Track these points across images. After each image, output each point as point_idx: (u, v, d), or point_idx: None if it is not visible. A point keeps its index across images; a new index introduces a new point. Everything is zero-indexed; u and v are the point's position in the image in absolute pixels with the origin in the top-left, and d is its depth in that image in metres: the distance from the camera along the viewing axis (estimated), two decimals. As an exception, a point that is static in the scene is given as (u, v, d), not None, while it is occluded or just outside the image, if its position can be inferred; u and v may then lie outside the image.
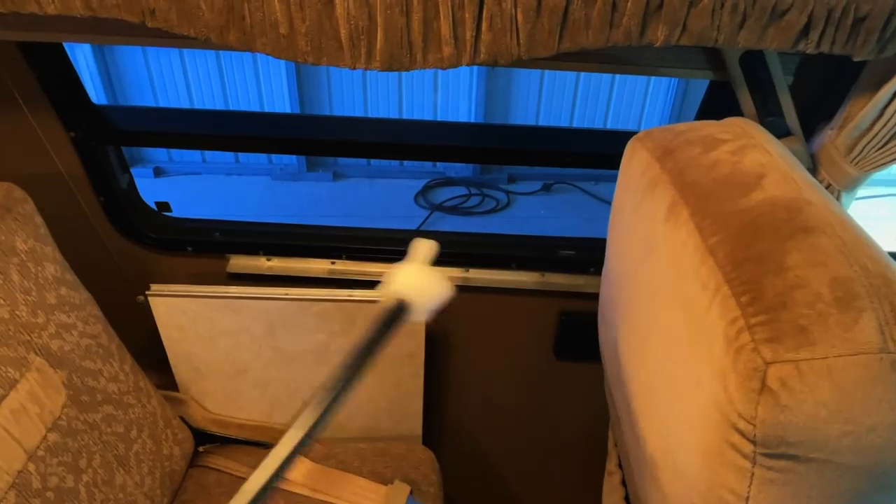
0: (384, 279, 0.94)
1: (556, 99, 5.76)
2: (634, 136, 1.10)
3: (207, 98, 5.71)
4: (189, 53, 5.54)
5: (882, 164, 1.20)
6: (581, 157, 1.64)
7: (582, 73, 5.53)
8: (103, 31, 1.23)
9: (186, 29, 1.02)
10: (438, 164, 6.01)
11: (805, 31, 1.01)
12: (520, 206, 5.79)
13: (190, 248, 1.65)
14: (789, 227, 0.72)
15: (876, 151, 1.18)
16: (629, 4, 0.98)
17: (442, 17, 1.00)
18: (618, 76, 5.58)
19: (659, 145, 1.02)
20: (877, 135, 1.16)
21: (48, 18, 1.16)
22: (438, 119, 5.78)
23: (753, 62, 1.26)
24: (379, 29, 1.01)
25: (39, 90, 1.38)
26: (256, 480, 0.75)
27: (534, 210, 5.75)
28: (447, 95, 5.71)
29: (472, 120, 5.75)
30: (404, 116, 5.77)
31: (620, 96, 5.75)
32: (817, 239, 0.70)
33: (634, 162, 1.06)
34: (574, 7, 0.99)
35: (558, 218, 5.60)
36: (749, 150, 0.91)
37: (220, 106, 5.71)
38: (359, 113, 5.74)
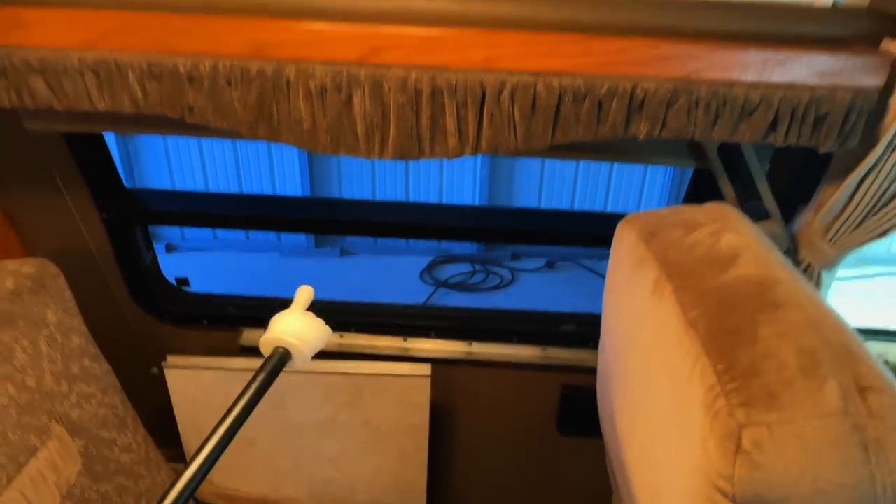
0: (268, 328, 0.98)
1: (557, 182, 5.97)
2: (623, 220, 1.20)
3: (222, 180, 5.94)
4: (208, 156, 5.84)
5: (857, 244, 1.29)
6: (580, 237, 1.74)
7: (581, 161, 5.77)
8: (142, 123, 1.37)
9: (221, 123, 1.15)
10: (443, 242, 6.16)
11: (773, 126, 1.13)
12: (524, 283, 5.88)
13: (205, 322, 1.73)
14: (760, 302, 0.80)
15: (850, 233, 1.28)
16: (614, 104, 1.10)
17: (448, 115, 1.13)
18: (616, 165, 5.82)
19: (645, 227, 1.11)
20: (849, 217, 1.25)
21: (93, 112, 1.30)
22: (443, 201, 5.98)
23: (731, 152, 1.38)
24: (391, 125, 1.14)
25: (78, 174, 1.51)
26: None
27: (538, 287, 5.83)
28: (452, 179, 5.93)
29: (477, 202, 5.95)
30: (411, 198, 5.97)
31: (619, 180, 5.96)
32: (786, 313, 0.78)
33: (623, 243, 1.15)
34: (565, 106, 1.11)
35: (562, 294, 5.67)
36: (725, 232, 1.00)
37: (234, 188, 5.95)
38: (367, 194, 5.95)
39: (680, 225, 1.04)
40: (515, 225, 1.81)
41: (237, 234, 6.16)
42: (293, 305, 1.01)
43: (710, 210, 1.13)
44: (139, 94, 1.12)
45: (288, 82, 1.10)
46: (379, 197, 5.95)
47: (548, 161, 5.90)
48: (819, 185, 1.30)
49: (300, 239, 6.16)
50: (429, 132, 1.15)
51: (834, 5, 1.16)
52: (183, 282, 1.79)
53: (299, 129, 1.14)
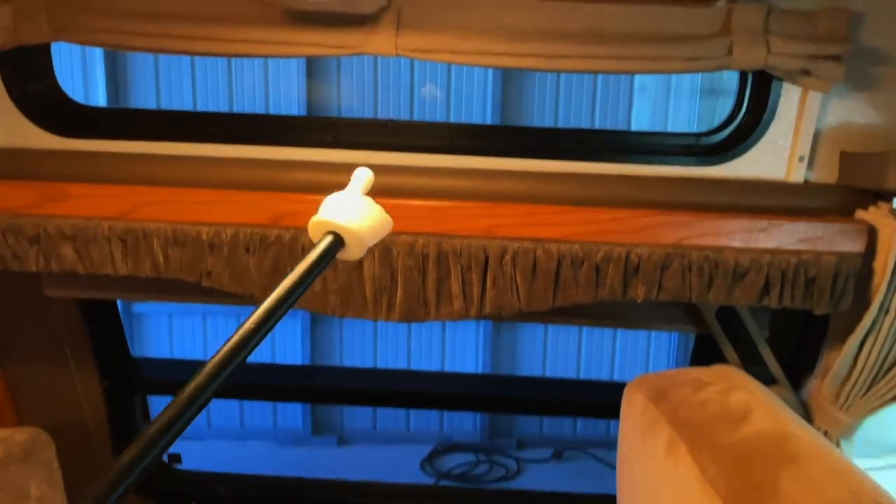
0: (319, 209, 0.80)
1: (560, 352, 5.95)
2: (630, 383, 1.20)
3: (221, 329, 5.91)
4: (210, 324, 5.92)
5: (871, 410, 1.26)
6: (586, 407, 1.70)
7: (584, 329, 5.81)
8: (158, 290, 1.42)
9: (235, 288, 1.19)
10: (445, 427, 5.96)
11: (766, 290, 1.17)
12: (530, 474, 5.58)
13: (194, 503, 1.64)
14: (778, 457, 0.77)
15: (861, 398, 1.25)
16: (610, 268, 1.15)
17: (453, 277, 1.17)
18: (619, 330, 5.84)
19: (652, 388, 1.10)
20: (857, 382, 1.24)
21: (108, 279, 1.34)
22: (446, 370, 5.90)
23: (730, 317, 1.40)
24: (399, 287, 1.18)
25: (87, 341, 1.53)
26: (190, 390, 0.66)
27: (545, 478, 5.53)
28: (454, 348, 5.91)
29: (479, 371, 5.87)
30: (412, 366, 5.90)
31: (624, 348, 5.93)
32: (806, 467, 0.75)
33: (633, 406, 1.14)
34: (564, 270, 1.17)
35: (571, 488, 5.34)
36: (734, 390, 0.99)
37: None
38: (368, 363, 5.89)
39: (688, 384, 1.03)
40: (520, 394, 1.78)
41: (231, 420, 5.98)
42: (349, 187, 0.83)
43: (716, 371, 1.12)
44: (161, 260, 1.17)
45: (303, 248, 1.16)
46: (380, 366, 5.88)
47: (551, 329, 5.93)
48: (821, 350, 1.31)
49: (296, 425, 5.98)
50: (435, 294, 1.19)
51: (805, 182, 1.26)
52: (175, 458, 1.72)
53: (310, 292, 1.18)
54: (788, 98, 1.23)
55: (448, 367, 5.90)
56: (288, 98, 5.47)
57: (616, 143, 1.34)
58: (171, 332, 5.98)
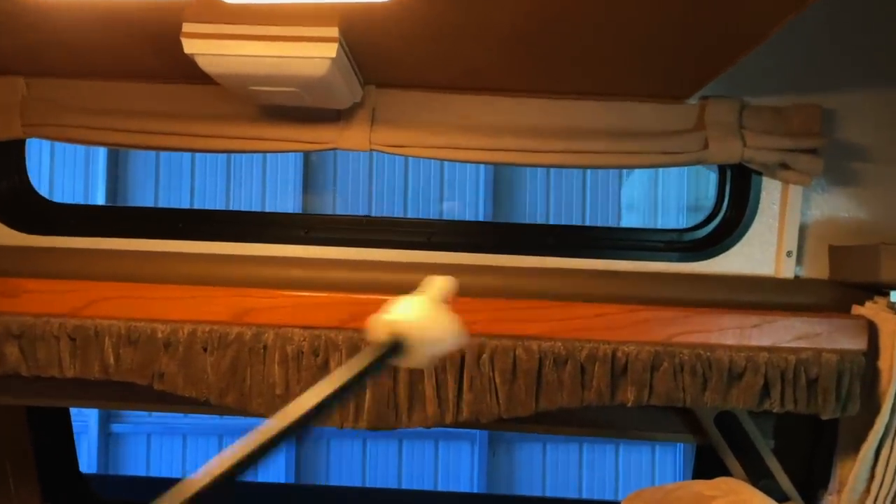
0: (385, 309, 0.73)
1: (561, 469, 5.63)
2: (626, 500, 1.08)
3: (202, 450, 5.60)
4: (191, 437, 5.66)
5: None
6: None
7: (586, 439, 5.54)
8: (110, 398, 1.32)
9: (190, 391, 1.10)
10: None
11: (766, 392, 1.08)
12: None
13: None
14: None
15: None
16: (596, 368, 1.07)
17: (426, 379, 1.08)
18: (622, 444, 5.57)
19: (650, 501, 0.99)
20: (878, 497, 1.11)
21: (58, 386, 1.24)
22: (439, 488, 5.55)
23: (730, 424, 1.29)
24: (367, 390, 1.09)
25: (31, 455, 1.39)
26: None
27: None
28: (448, 463, 5.60)
29: (475, 492, 5.52)
30: (404, 486, 5.55)
31: (628, 464, 5.63)
32: None
33: None
34: (546, 370, 1.08)
35: None
36: None
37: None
38: (356, 482, 5.54)
39: (687, 499, 0.92)
40: None
41: None
42: (422, 293, 0.77)
43: (718, 484, 1.01)
44: (111, 360, 1.09)
45: (265, 347, 1.08)
46: (370, 484, 5.53)
47: (549, 446, 5.65)
48: (834, 462, 1.19)
49: None
50: (407, 398, 1.09)
51: (796, 277, 1.21)
52: None
53: (271, 395, 1.09)
54: (770, 193, 1.21)
55: (442, 486, 5.56)
56: (284, 198, 5.58)
57: (598, 238, 1.31)
58: (149, 452, 5.68)
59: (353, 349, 1.08)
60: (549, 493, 5.65)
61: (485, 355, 1.08)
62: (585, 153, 1.13)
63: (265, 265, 1.18)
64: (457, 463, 5.64)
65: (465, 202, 5.63)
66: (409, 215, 5.54)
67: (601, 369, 1.07)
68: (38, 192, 1.32)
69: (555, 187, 5.67)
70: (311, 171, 5.64)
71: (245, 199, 5.61)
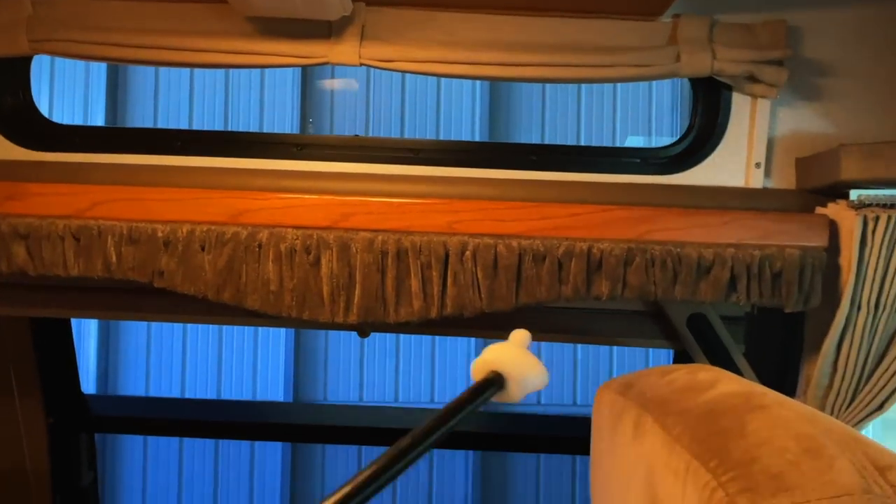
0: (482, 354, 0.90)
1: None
2: (599, 387, 1.19)
3: (201, 386, 5.81)
4: (191, 337, 5.81)
5: (858, 421, 1.21)
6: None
7: (580, 351, 5.71)
8: (108, 307, 1.40)
9: (188, 288, 1.19)
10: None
11: (733, 285, 1.18)
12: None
13: None
14: (746, 407, 0.75)
15: (846, 409, 1.22)
16: (573, 264, 1.17)
17: (413, 275, 1.18)
18: (615, 351, 5.72)
19: (621, 384, 1.09)
20: (840, 390, 1.21)
21: (59, 296, 1.32)
22: (436, 401, 5.77)
23: (702, 329, 1.40)
24: (357, 285, 1.19)
25: (35, 370, 1.47)
26: None
27: None
28: (445, 379, 5.80)
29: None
30: (400, 400, 5.77)
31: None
32: (777, 411, 0.73)
33: (602, 405, 1.12)
34: (526, 266, 1.18)
35: None
36: (701, 370, 0.99)
37: (213, 395, 5.80)
38: (354, 399, 5.77)
39: (655, 373, 1.03)
40: (513, 430, 1.75)
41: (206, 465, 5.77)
42: (510, 341, 0.94)
43: (686, 366, 1.12)
44: (113, 258, 1.16)
45: (259, 245, 1.17)
46: (366, 401, 5.77)
47: (544, 352, 5.80)
48: (801, 363, 1.29)
49: None
50: (394, 293, 1.19)
51: (764, 188, 1.30)
52: None
53: (265, 292, 1.18)
54: (739, 108, 1.28)
55: (438, 398, 5.72)
56: (282, 121, 5.59)
57: (578, 155, 1.38)
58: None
59: (343, 248, 1.17)
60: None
61: (468, 252, 1.17)
62: (564, 66, 1.19)
63: (259, 176, 1.25)
64: (453, 377, 5.78)
65: (462, 128, 5.64)
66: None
67: (577, 265, 1.16)
68: (41, 111, 1.38)
69: (549, 120, 5.67)
70: (309, 97, 5.61)
71: (243, 123, 5.61)
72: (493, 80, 1.28)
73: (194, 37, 1.20)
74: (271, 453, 5.64)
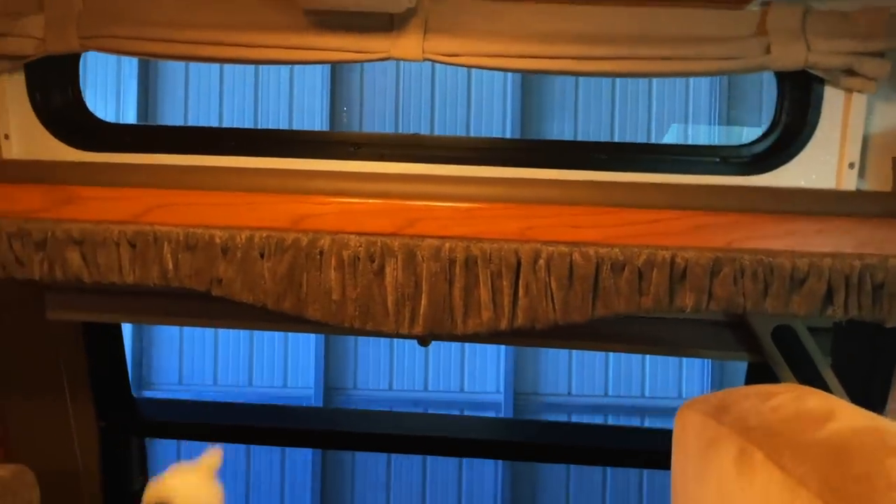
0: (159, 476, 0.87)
1: (586, 381, 5.71)
2: (683, 405, 1.10)
3: (233, 375, 5.82)
4: (222, 341, 5.84)
5: None
6: (615, 454, 1.58)
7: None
8: (162, 313, 1.36)
9: (247, 296, 1.13)
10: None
11: (829, 298, 1.08)
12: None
13: None
14: (883, 448, 0.67)
15: None
16: (654, 274, 1.09)
17: (482, 285, 1.11)
18: (648, 358, 5.62)
19: (712, 405, 1.01)
20: None
21: (113, 301, 1.28)
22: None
23: (787, 340, 1.29)
24: (423, 295, 1.12)
25: (86, 375, 1.44)
26: None
27: None
28: (475, 372, 5.73)
29: (502, 401, 5.65)
30: (430, 388, 5.70)
31: (654, 374, 5.71)
32: None
33: (688, 428, 1.04)
34: (603, 276, 1.10)
35: None
36: (808, 395, 0.90)
37: (244, 384, 5.79)
38: (383, 387, 5.75)
39: (753, 395, 0.94)
40: (544, 439, 1.67)
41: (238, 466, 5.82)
42: (196, 466, 0.94)
43: (783, 386, 1.04)
44: (170, 266, 1.12)
45: (321, 252, 1.11)
46: (396, 390, 5.71)
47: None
48: (893, 380, 1.21)
49: None
50: (462, 303, 1.12)
51: (858, 190, 1.20)
52: None
53: (327, 301, 1.12)
54: (832, 103, 1.18)
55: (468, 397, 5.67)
56: (311, 115, 5.55)
57: (652, 154, 1.30)
58: (181, 361, 5.88)
59: (409, 256, 1.11)
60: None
61: (541, 260, 1.10)
62: (641, 59, 1.10)
63: (316, 178, 1.19)
64: (483, 370, 5.71)
65: (493, 122, 5.53)
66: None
67: (659, 275, 1.08)
68: (91, 110, 1.33)
69: (583, 110, 5.53)
70: (338, 90, 5.56)
71: (273, 118, 5.59)
72: (565, 74, 1.19)
73: (251, 32, 1.14)
74: (301, 454, 5.65)
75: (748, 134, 5.73)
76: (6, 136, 1.24)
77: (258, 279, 1.12)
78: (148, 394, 5.76)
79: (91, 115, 1.33)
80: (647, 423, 6.00)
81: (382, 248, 1.11)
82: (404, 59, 1.16)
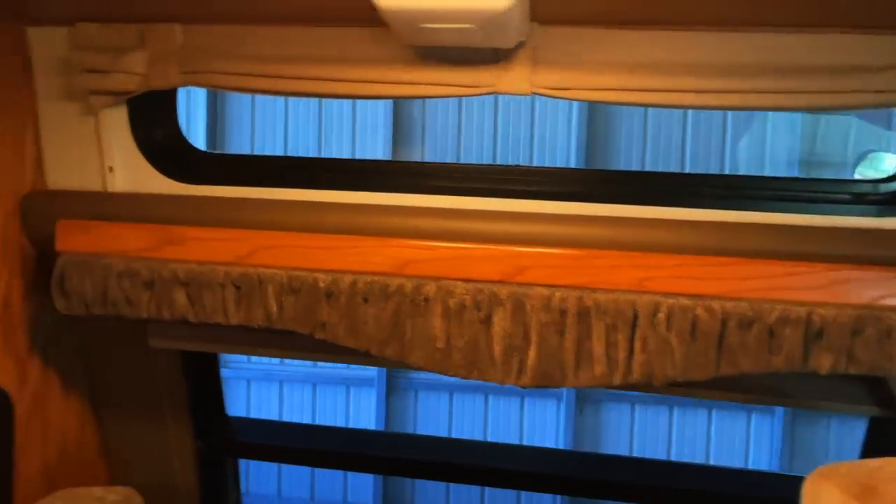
0: None
1: (650, 429, 5.51)
2: (815, 472, 0.98)
3: (297, 402, 5.88)
4: (288, 377, 5.91)
5: None
6: (682, 496, 1.46)
7: (676, 402, 5.38)
8: (263, 344, 1.34)
9: (350, 342, 1.09)
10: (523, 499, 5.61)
11: None
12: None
13: None
14: None
15: None
16: (787, 332, 0.97)
17: (595, 338, 1.02)
18: (714, 412, 5.38)
19: (854, 482, 0.89)
20: None
21: (211, 332, 1.27)
22: (524, 443, 5.58)
23: None
24: (532, 346, 1.04)
25: (185, 397, 1.45)
26: None
27: None
28: (534, 417, 5.61)
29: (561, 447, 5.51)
30: (489, 436, 5.62)
31: (721, 428, 5.44)
32: None
33: (822, 502, 0.92)
34: (730, 332, 0.99)
35: None
36: None
37: (308, 408, 5.86)
38: (443, 428, 5.68)
39: None
40: (607, 475, 1.54)
41: (302, 490, 5.87)
42: None
43: None
44: (274, 308, 1.10)
45: (426, 299, 1.05)
46: (455, 430, 5.65)
47: (638, 406, 5.53)
48: None
49: (366, 500, 5.80)
50: (573, 356, 1.04)
51: None
52: None
53: (431, 349, 1.07)
54: None
55: (527, 440, 5.58)
56: (374, 147, 5.61)
57: (773, 189, 1.18)
58: (248, 397, 5.99)
59: (518, 305, 1.03)
60: (636, 454, 5.57)
61: (660, 314, 1.00)
62: (782, 93, 1.00)
63: (420, 216, 1.13)
64: (542, 421, 5.64)
65: (556, 152, 5.44)
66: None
67: (794, 333, 0.97)
68: (188, 140, 1.33)
69: (652, 138, 5.36)
70: (400, 120, 5.61)
71: (336, 148, 5.69)
72: (689, 108, 1.11)
73: (352, 66, 1.10)
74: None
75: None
76: (110, 169, 1.25)
77: (361, 325, 1.08)
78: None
79: (190, 146, 1.33)
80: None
81: (490, 296, 1.04)
82: (510, 94, 1.10)
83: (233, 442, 1.55)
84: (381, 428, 5.70)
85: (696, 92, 1.04)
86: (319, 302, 1.08)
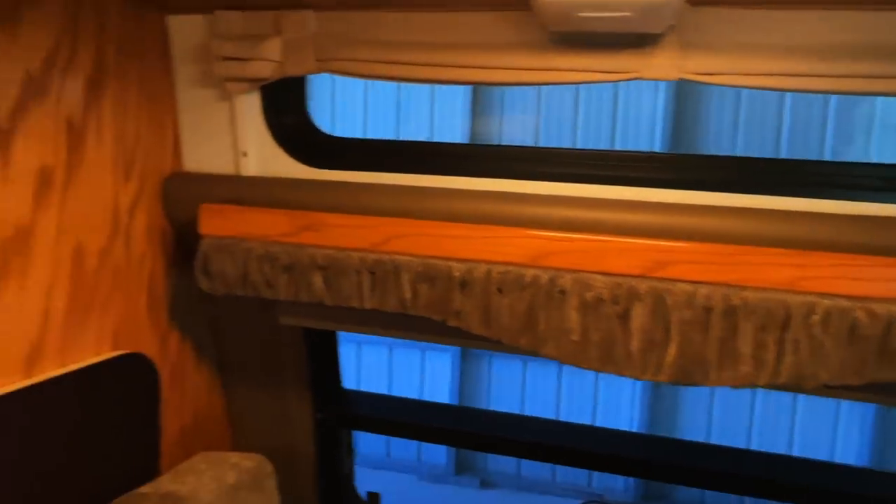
0: None
1: (731, 415, 5.35)
2: None
3: (375, 369, 6.04)
4: (365, 351, 6.07)
5: None
6: (762, 485, 1.39)
7: (759, 392, 5.19)
8: (392, 325, 1.37)
9: (483, 331, 1.09)
10: (594, 479, 5.60)
11: None
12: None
13: None
14: None
15: None
16: None
17: (740, 337, 0.99)
18: (801, 399, 5.15)
19: None
20: None
21: (337, 312, 1.29)
22: (596, 423, 5.54)
23: None
24: (672, 343, 1.01)
25: (306, 370, 1.51)
26: None
27: None
28: (609, 398, 5.55)
29: (634, 429, 5.44)
30: (561, 415, 5.61)
31: (806, 418, 5.22)
32: None
33: None
34: (893, 338, 0.93)
35: None
36: None
37: (384, 375, 6.03)
38: (516, 400, 5.73)
39: None
40: (683, 461, 1.49)
41: (377, 450, 6.05)
42: None
43: None
44: (408, 295, 1.11)
45: (562, 291, 1.04)
46: (528, 404, 5.65)
47: (718, 390, 5.36)
48: None
49: (440, 461, 5.94)
50: (717, 355, 1.00)
51: None
52: (374, 498, 1.65)
53: (566, 341, 1.05)
54: None
55: (600, 421, 5.55)
56: (452, 130, 5.58)
57: None
58: (359, 362, 6.13)
59: (658, 301, 1.01)
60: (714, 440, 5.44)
61: (815, 316, 0.95)
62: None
63: (558, 205, 1.11)
64: (617, 398, 5.56)
65: (639, 138, 5.25)
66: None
67: None
68: (318, 126, 1.35)
69: (745, 122, 5.06)
70: (479, 102, 5.55)
71: (414, 130, 5.70)
72: (854, 94, 1.03)
73: (492, 53, 1.09)
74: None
75: None
76: (244, 154, 1.29)
77: (495, 315, 1.08)
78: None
79: (319, 131, 1.35)
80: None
81: (628, 290, 1.01)
82: (656, 79, 1.05)
83: (349, 414, 1.60)
84: (455, 390, 5.80)
85: (866, 77, 0.97)
86: (454, 291, 1.08)
